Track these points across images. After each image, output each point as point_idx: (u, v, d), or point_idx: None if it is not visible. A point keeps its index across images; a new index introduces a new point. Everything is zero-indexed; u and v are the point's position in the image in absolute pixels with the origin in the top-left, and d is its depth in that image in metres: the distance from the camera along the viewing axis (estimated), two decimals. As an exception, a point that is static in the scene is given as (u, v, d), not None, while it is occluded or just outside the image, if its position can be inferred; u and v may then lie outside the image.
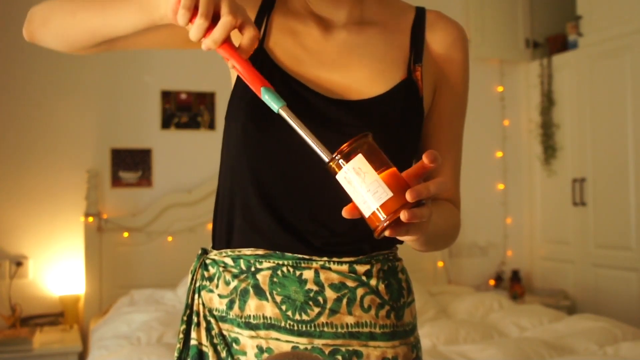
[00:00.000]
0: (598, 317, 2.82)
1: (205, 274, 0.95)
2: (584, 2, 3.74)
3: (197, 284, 0.95)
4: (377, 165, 0.69)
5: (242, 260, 0.91)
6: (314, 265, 0.88)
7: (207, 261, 0.96)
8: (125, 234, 3.26)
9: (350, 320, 0.87)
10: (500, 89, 4.20)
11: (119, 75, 3.38)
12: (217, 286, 0.92)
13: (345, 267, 0.88)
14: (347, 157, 0.69)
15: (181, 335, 0.96)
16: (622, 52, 3.51)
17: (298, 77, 0.91)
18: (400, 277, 0.95)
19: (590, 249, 3.73)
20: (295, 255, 0.88)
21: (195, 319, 0.94)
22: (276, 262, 0.88)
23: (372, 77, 0.93)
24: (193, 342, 0.93)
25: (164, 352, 2.31)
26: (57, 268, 3.19)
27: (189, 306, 0.95)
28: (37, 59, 3.21)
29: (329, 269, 0.88)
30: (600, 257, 3.65)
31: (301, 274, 0.87)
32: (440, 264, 3.90)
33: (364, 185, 0.68)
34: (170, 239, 3.34)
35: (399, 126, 0.91)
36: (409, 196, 0.66)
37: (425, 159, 0.69)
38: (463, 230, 4.01)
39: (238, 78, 0.91)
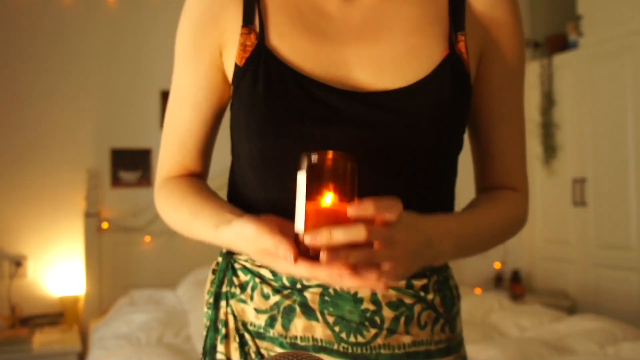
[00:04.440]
0: (598, 317, 2.81)
1: (235, 280, 0.85)
2: (584, 2, 3.74)
3: (224, 289, 0.85)
4: (314, 191, 0.63)
5: (284, 275, 0.80)
6: None
7: (237, 266, 0.85)
8: (125, 234, 3.26)
9: (407, 340, 0.79)
10: (500, 89, 4.20)
11: (119, 75, 3.37)
12: (251, 297, 0.82)
13: (402, 283, 0.79)
14: (300, 166, 0.65)
15: (207, 346, 0.85)
16: (622, 52, 3.50)
17: (315, 75, 0.78)
18: (451, 285, 0.87)
19: (590, 249, 3.72)
20: None
21: (223, 329, 0.84)
22: None
23: (408, 55, 0.79)
24: (220, 356, 0.83)
25: (164, 352, 2.30)
26: (57, 268, 3.18)
27: (214, 314, 0.85)
28: (38, 60, 3.21)
29: None
30: (601, 257, 3.65)
31: (356, 293, 0.78)
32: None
33: (298, 201, 0.64)
34: (170, 239, 3.34)
35: (445, 117, 0.78)
36: (306, 239, 0.61)
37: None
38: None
39: (237, 84, 0.81)
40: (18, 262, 3.10)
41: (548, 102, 4.00)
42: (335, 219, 0.62)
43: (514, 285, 3.92)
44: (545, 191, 4.10)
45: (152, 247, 3.33)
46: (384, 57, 0.78)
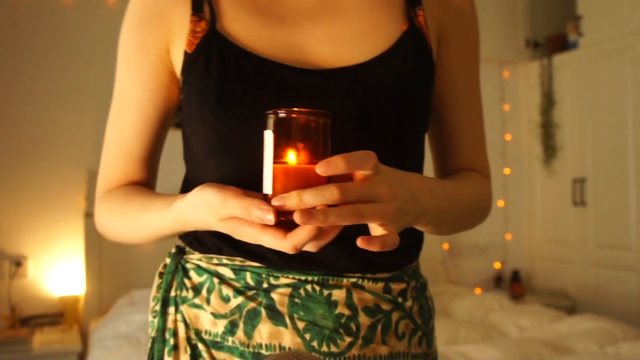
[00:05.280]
0: (598, 317, 2.82)
1: (187, 282, 0.77)
2: (584, 2, 3.74)
3: (172, 294, 0.77)
4: (283, 151, 0.57)
5: (248, 274, 0.73)
6: (345, 282, 0.72)
7: (189, 266, 0.78)
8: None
9: (384, 351, 0.72)
10: (500, 89, 4.20)
11: (119, 75, 3.37)
12: (207, 301, 0.74)
13: (380, 286, 0.73)
14: (267, 124, 0.59)
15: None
16: (622, 52, 3.50)
17: (271, 56, 0.73)
18: (428, 296, 0.83)
19: (590, 249, 3.73)
20: (322, 270, 0.72)
21: (171, 340, 0.75)
22: (297, 277, 0.71)
23: (366, 31, 0.76)
24: None
25: (164, 352, 2.30)
26: (57, 268, 3.18)
27: (162, 322, 0.77)
28: (37, 59, 3.21)
29: (362, 287, 0.72)
30: (601, 257, 3.65)
31: (330, 294, 0.71)
32: (440, 264, 3.90)
33: (265, 162, 0.58)
34: (170, 239, 3.33)
35: (409, 89, 0.74)
36: (273, 203, 0.56)
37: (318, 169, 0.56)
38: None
39: (187, 71, 0.76)
40: (18, 262, 3.10)
41: (548, 102, 4.00)
42: (307, 180, 0.56)
43: (514, 285, 3.92)
44: (545, 191, 4.10)
45: (152, 247, 3.32)
46: (341, 35, 0.75)
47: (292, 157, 0.57)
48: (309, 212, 0.54)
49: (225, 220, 0.62)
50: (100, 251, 3.20)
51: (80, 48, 3.29)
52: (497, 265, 4.12)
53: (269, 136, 0.58)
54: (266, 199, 0.58)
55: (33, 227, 3.17)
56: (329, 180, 0.57)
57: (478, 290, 3.75)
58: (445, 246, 3.92)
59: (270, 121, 0.58)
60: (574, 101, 3.84)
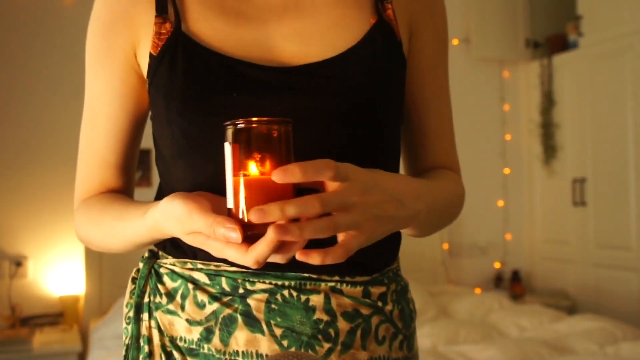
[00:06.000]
0: (598, 317, 2.82)
1: (160, 288, 0.75)
2: (584, 2, 3.74)
3: (146, 300, 0.75)
4: (244, 163, 0.56)
5: (223, 279, 0.71)
6: (323, 286, 0.70)
7: (162, 270, 0.76)
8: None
9: (364, 356, 0.71)
10: (500, 89, 4.20)
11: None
12: (182, 307, 0.72)
13: (359, 290, 0.71)
14: (226, 136, 0.58)
15: None
16: (622, 52, 3.51)
17: (238, 55, 0.72)
18: (409, 298, 0.81)
19: (590, 249, 3.73)
20: (300, 274, 0.70)
21: (146, 347, 0.73)
22: (274, 282, 0.70)
23: (334, 26, 0.75)
24: None
25: (164, 352, 2.30)
26: (57, 268, 3.19)
27: (136, 329, 0.75)
28: (38, 59, 3.21)
29: (341, 292, 0.70)
30: (601, 257, 3.65)
31: (307, 300, 0.69)
32: (440, 264, 3.90)
33: (227, 175, 0.58)
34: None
35: (381, 82, 0.74)
36: (251, 217, 0.54)
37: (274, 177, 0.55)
38: (463, 231, 4.02)
39: (152, 73, 0.75)
40: (18, 262, 3.10)
41: (548, 102, 4.00)
42: (270, 192, 0.55)
43: (514, 285, 3.92)
44: (545, 191, 4.10)
45: (152, 247, 3.33)
46: (309, 31, 0.74)
47: (254, 168, 0.56)
48: (284, 228, 0.53)
49: (191, 234, 0.61)
50: (101, 251, 3.20)
51: (80, 48, 3.27)
52: (497, 265, 4.12)
53: (228, 149, 0.57)
54: (230, 213, 0.57)
55: (33, 227, 3.17)
56: (295, 189, 0.56)
57: (478, 290, 3.75)
58: (445, 246, 3.92)
59: (229, 132, 0.57)
60: (574, 101, 3.84)
